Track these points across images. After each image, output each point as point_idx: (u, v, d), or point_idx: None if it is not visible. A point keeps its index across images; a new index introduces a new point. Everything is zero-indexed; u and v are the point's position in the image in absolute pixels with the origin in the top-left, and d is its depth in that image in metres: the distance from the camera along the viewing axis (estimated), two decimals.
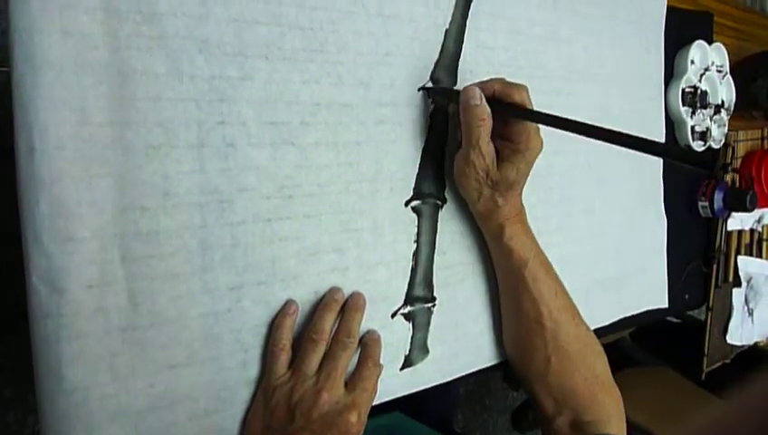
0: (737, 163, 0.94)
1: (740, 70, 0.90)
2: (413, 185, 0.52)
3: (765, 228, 1.01)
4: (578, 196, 0.66)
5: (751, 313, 0.99)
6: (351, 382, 0.45)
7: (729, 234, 0.94)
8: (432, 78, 0.53)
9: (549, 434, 0.54)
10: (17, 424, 0.98)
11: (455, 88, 0.53)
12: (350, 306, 0.47)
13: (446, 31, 0.54)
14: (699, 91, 0.81)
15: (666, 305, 0.78)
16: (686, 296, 0.86)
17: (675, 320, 1.25)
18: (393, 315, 0.51)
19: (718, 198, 0.84)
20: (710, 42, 0.83)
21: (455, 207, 0.55)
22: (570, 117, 0.44)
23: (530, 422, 1.54)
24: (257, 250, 0.44)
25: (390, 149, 0.50)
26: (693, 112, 0.80)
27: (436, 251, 0.54)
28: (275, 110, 0.44)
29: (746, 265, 0.97)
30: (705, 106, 0.82)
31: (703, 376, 0.95)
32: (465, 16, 0.55)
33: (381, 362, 0.49)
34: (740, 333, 0.98)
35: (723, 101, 0.85)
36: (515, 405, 1.69)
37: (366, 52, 0.48)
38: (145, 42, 0.39)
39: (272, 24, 0.44)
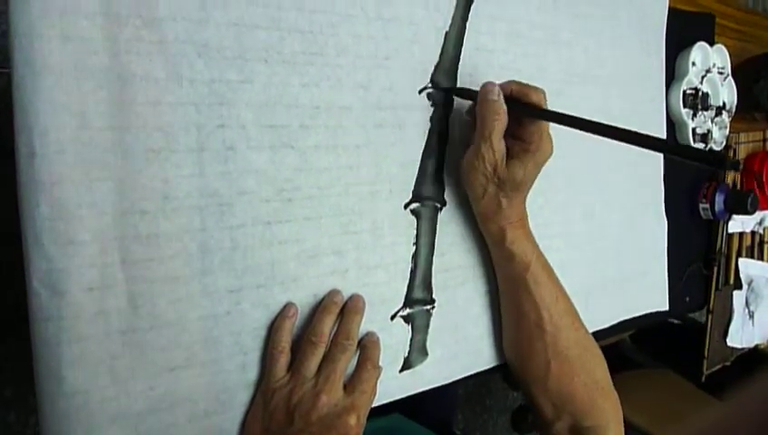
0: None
1: (742, 71, 0.90)
2: (412, 188, 0.52)
3: (767, 230, 1.01)
4: (578, 199, 0.66)
5: (751, 315, 0.99)
6: (350, 385, 0.45)
7: (730, 236, 0.94)
8: (432, 81, 0.53)
9: None
10: (19, 424, 0.98)
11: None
12: (349, 309, 0.47)
13: (446, 34, 0.54)
14: (700, 93, 0.81)
15: (666, 308, 0.78)
16: (687, 299, 0.86)
17: (675, 321, 1.25)
18: (392, 318, 0.51)
19: (719, 200, 0.84)
20: (712, 43, 0.83)
21: (454, 209, 0.55)
22: (586, 118, 0.45)
23: (529, 423, 1.54)
24: (257, 253, 0.44)
25: (390, 152, 0.51)
26: (694, 114, 0.80)
27: (435, 253, 0.54)
28: (275, 113, 0.44)
29: (747, 267, 0.97)
30: (706, 108, 0.82)
31: (703, 379, 0.95)
32: (464, 19, 0.55)
33: (380, 364, 0.49)
34: (740, 335, 0.97)
35: (724, 103, 0.85)
36: (515, 406, 1.69)
37: (365, 55, 0.48)
38: (145, 46, 0.39)
39: (271, 28, 0.44)
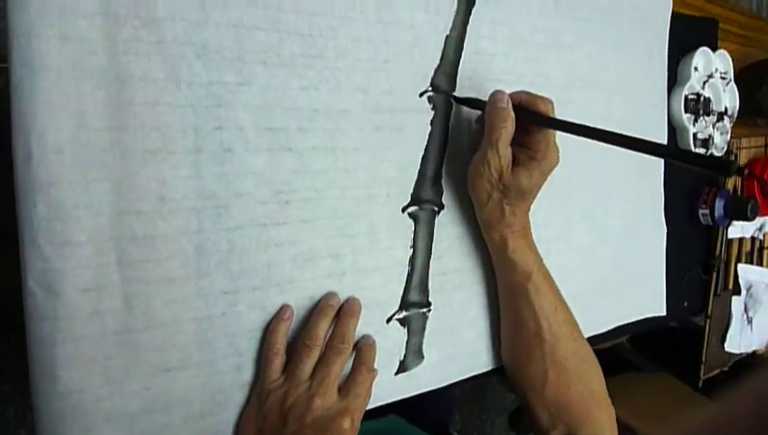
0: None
1: (745, 77, 0.90)
2: (411, 191, 0.52)
3: (767, 236, 1.01)
4: (578, 203, 0.66)
5: (750, 321, 0.99)
6: (345, 388, 0.45)
7: (730, 241, 0.93)
8: (432, 84, 0.53)
9: None
10: (17, 419, 0.99)
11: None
12: (345, 311, 0.47)
13: (447, 37, 0.53)
14: (702, 99, 0.80)
15: (664, 313, 0.78)
16: (685, 304, 0.86)
17: (674, 324, 1.25)
18: (388, 320, 0.51)
19: (719, 206, 0.84)
20: (715, 48, 0.83)
21: (452, 213, 0.55)
22: (593, 126, 0.46)
23: (526, 424, 1.54)
24: (253, 255, 0.44)
25: (388, 156, 0.50)
26: (695, 119, 0.80)
27: (432, 257, 0.54)
28: (273, 115, 0.44)
29: (746, 272, 0.97)
30: (708, 113, 0.81)
31: (700, 384, 0.95)
32: (465, 23, 0.55)
33: (376, 366, 0.49)
34: (738, 341, 0.97)
35: (726, 109, 0.85)
36: (513, 406, 1.69)
37: (365, 58, 0.48)
38: (143, 47, 0.39)
39: (270, 30, 0.44)
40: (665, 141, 0.77)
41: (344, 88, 0.48)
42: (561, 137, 0.49)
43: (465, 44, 0.55)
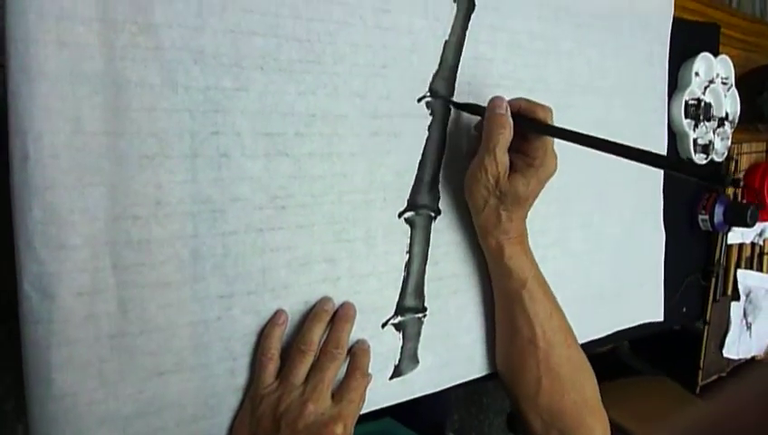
0: (740, 176, 0.93)
1: (746, 82, 0.89)
2: (407, 196, 0.52)
3: (766, 242, 1.00)
4: (576, 210, 0.66)
5: (749, 326, 0.99)
6: (338, 393, 0.45)
7: (729, 247, 0.93)
8: (430, 90, 0.53)
9: None
10: (14, 413, 0.99)
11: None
12: (339, 316, 0.48)
13: (446, 42, 0.53)
14: (703, 104, 0.80)
15: (661, 319, 0.78)
16: (684, 309, 0.86)
17: (674, 327, 1.25)
18: (383, 325, 0.52)
19: (719, 211, 0.83)
20: (716, 53, 0.82)
21: (449, 218, 0.55)
22: (590, 134, 0.46)
23: (521, 431, 1.54)
24: (248, 260, 0.44)
25: (385, 161, 0.51)
26: (696, 125, 0.80)
27: (428, 262, 0.54)
28: (270, 121, 0.44)
29: (746, 278, 0.97)
30: (708, 119, 0.81)
31: (698, 389, 0.95)
32: (464, 28, 0.54)
33: (370, 371, 0.49)
34: (737, 346, 0.97)
35: (727, 114, 0.85)
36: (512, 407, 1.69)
37: (363, 63, 0.48)
38: (141, 52, 0.39)
39: (268, 35, 0.44)
40: (665, 147, 0.77)
41: (342, 93, 0.48)
42: (559, 143, 0.49)
43: (464, 50, 0.55)
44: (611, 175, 0.69)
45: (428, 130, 0.53)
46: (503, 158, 0.49)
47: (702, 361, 0.94)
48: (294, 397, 0.43)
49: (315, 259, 0.47)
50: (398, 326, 0.52)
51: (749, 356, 1.01)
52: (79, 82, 0.37)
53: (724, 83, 0.84)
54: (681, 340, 1.24)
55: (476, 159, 0.50)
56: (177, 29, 0.40)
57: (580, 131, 0.47)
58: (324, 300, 0.47)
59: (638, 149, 0.44)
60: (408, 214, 0.52)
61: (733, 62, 0.84)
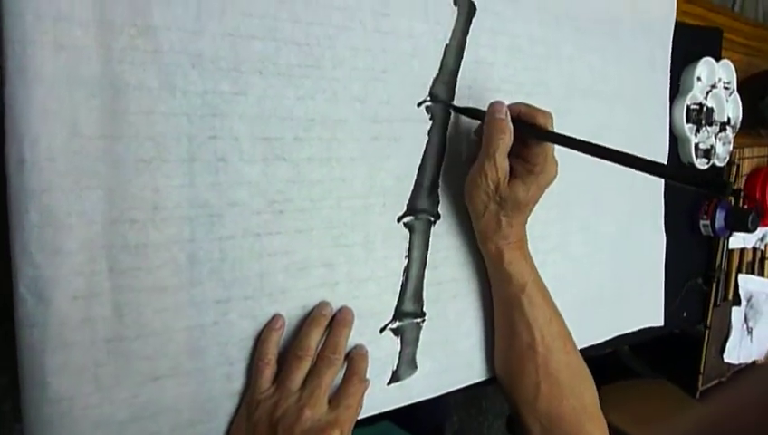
0: (742, 181, 0.93)
1: (748, 86, 0.89)
2: (407, 201, 0.52)
3: None
4: (576, 214, 0.65)
5: (750, 331, 0.99)
6: (335, 399, 0.45)
7: (731, 252, 0.93)
8: (430, 94, 0.52)
9: None
10: (12, 413, 0.99)
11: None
12: (337, 321, 0.47)
13: (446, 47, 0.53)
14: (705, 109, 0.80)
15: (661, 324, 0.78)
16: (684, 314, 0.86)
17: (675, 330, 1.25)
18: (382, 330, 0.51)
19: (720, 217, 0.83)
20: (718, 58, 0.82)
21: (448, 223, 0.55)
22: (590, 141, 0.46)
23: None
24: (245, 265, 0.44)
25: (385, 165, 0.50)
26: (697, 130, 0.80)
27: (427, 267, 0.54)
28: (269, 125, 0.44)
29: (747, 283, 0.96)
30: (710, 123, 0.81)
31: (698, 394, 0.94)
32: (465, 32, 0.54)
33: (368, 376, 0.49)
34: (737, 351, 0.97)
35: (729, 119, 0.84)
36: None
37: (362, 67, 0.48)
38: (139, 55, 0.39)
39: (267, 39, 0.44)
40: (666, 152, 0.77)
41: (341, 98, 0.47)
42: (559, 148, 0.49)
43: (464, 54, 0.54)
44: (611, 179, 0.69)
45: (428, 134, 0.53)
46: (503, 163, 0.48)
47: (702, 366, 0.93)
48: (291, 403, 0.43)
49: (313, 264, 0.47)
50: (396, 331, 0.52)
51: (750, 361, 1.01)
52: (76, 84, 0.37)
53: (726, 88, 0.84)
54: (682, 343, 1.23)
55: (476, 164, 0.50)
56: (176, 32, 0.40)
57: (580, 138, 0.47)
58: (322, 305, 0.47)
59: (639, 158, 0.43)
60: (407, 218, 0.52)
61: (735, 66, 0.84)
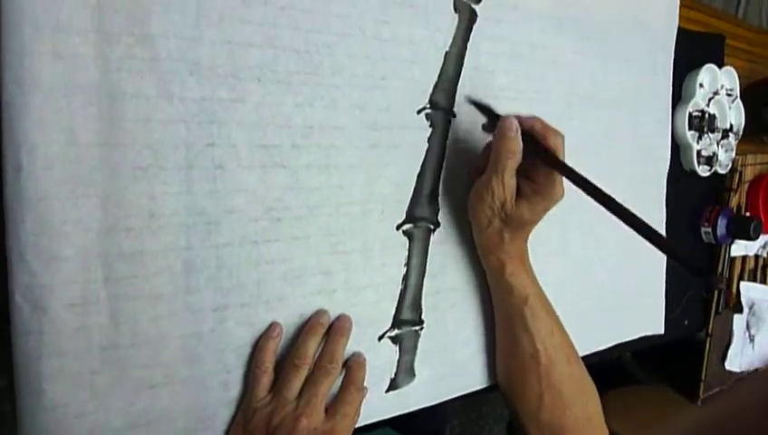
0: (744, 188, 0.92)
1: (751, 93, 0.89)
2: (406, 208, 0.52)
3: None
4: (576, 220, 0.65)
5: (752, 339, 0.98)
6: (332, 408, 0.45)
7: (733, 259, 0.92)
8: (430, 101, 0.52)
9: None
10: (12, 414, 0.99)
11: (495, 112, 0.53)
12: (335, 330, 0.47)
13: (447, 54, 0.53)
14: (707, 116, 0.80)
15: (662, 332, 0.77)
16: (686, 322, 0.85)
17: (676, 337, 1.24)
18: (380, 338, 0.51)
19: (722, 224, 0.83)
20: (721, 65, 0.82)
21: (448, 231, 0.55)
22: (596, 184, 0.47)
23: None
24: (243, 272, 0.44)
25: (384, 173, 0.50)
26: (700, 137, 0.79)
27: (426, 275, 0.53)
28: (267, 132, 0.44)
29: (749, 290, 0.96)
30: (712, 130, 0.81)
31: (699, 402, 0.94)
32: (466, 39, 0.54)
33: (366, 384, 0.49)
34: (739, 359, 0.96)
35: (731, 126, 0.84)
36: None
37: (362, 75, 0.48)
38: (137, 63, 0.39)
39: (265, 47, 0.43)
40: (667, 159, 0.76)
41: (340, 105, 0.47)
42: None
43: (465, 61, 0.54)
44: (612, 184, 0.68)
45: (428, 141, 0.53)
46: (510, 181, 0.48)
47: (704, 373, 0.93)
48: (288, 411, 0.43)
49: (311, 271, 0.47)
50: (394, 339, 0.52)
51: (752, 369, 1.00)
52: (73, 93, 0.37)
53: (728, 95, 0.83)
54: (684, 350, 1.23)
55: (483, 179, 0.49)
56: (174, 40, 0.40)
57: (588, 178, 0.46)
58: (320, 313, 0.47)
59: (639, 219, 0.45)
60: (406, 226, 0.52)
61: (738, 73, 0.83)
